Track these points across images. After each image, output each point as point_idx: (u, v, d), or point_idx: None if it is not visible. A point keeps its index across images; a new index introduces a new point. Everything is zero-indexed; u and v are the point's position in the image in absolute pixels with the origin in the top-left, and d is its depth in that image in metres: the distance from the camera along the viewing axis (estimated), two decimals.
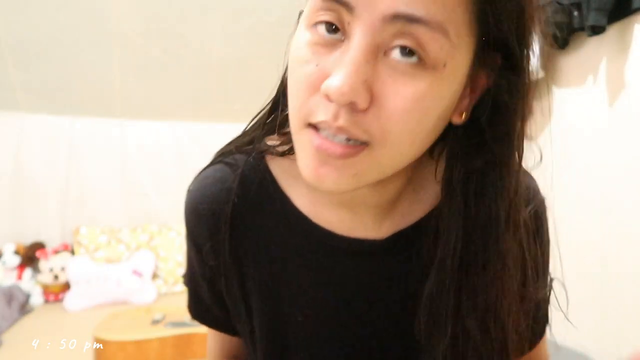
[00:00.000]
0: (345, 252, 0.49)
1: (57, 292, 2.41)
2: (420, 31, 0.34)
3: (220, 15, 2.34)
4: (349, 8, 0.34)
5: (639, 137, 1.27)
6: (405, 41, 0.34)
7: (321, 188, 0.39)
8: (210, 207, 0.49)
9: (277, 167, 0.50)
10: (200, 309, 0.56)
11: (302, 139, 0.39)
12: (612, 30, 1.32)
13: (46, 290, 2.41)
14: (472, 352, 0.45)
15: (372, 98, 0.35)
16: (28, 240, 2.54)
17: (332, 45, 0.36)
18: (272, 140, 0.51)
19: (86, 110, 2.56)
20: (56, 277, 2.40)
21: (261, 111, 0.51)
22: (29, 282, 2.42)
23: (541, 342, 0.58)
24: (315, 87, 0.36)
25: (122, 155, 2.65)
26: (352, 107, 0.35)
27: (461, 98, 0.40)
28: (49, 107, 2.55)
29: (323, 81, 0.35)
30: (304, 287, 0.50)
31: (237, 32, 2.38)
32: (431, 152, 0.46)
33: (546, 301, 0.55)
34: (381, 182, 0.43)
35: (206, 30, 2.40)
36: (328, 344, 0.51)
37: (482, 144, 0.42)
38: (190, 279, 0.56)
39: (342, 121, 0.35)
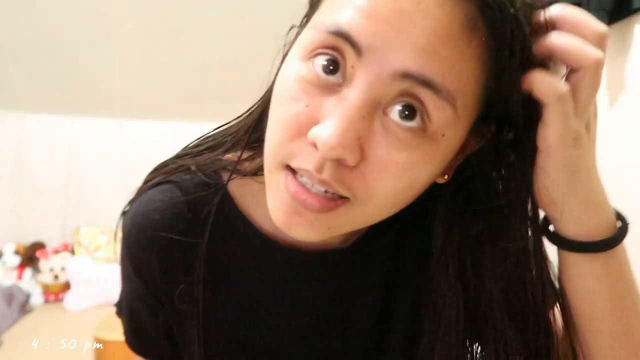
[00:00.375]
0: (305, 264, 0.46)
1: (57, 292, 2.41)
2: (429, 96, 0.31)
3: (220, 15, 2.34)
4: (359, 52, 0.31)
5: (639, 137, 1.27)
6: (410, 101, 0.32)
7: (290, 235, 0.36)
8: (156, 234, 0.44)
9: (235, 186, 0.46)
10: (143, 342, 0.51)
11: (276, 180, 0.35)
12: (612, 31, 1.32)
13: (46, 290, 2.41)
14: None
15: (362, 156, 0.32)
16: (28, 240, 2.54)
17: (327, 88, 0.33)
18: (230, 155, 0.47)
19: (86, 110, 2.56)
20: (56, 277, 2.41)
21: (221, 127, 0.48)
22: (29, 282, 2.42)
23: None
24: (301, 129, 0.33)
25: (122, 155, 2.65)
26: (339, 162, 0.32)
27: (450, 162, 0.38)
28: (49, 107, 2.55)
29: (311, 125, 0.32)
30: (274, 309, 0.47)
31: (237, 32, 2.37)
32: None
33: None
34: None
35: (206, 30, 2.40)
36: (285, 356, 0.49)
37: (477, 210, 0.39)
38: (129, 309, 0.50)
39: (326, 175, 0.32)
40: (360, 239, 0.47)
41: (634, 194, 1.28)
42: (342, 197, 0.34)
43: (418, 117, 0.32)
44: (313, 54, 0.33)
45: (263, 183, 0.38)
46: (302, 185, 0.34)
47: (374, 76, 0.31)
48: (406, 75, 0.30)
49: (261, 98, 0.44)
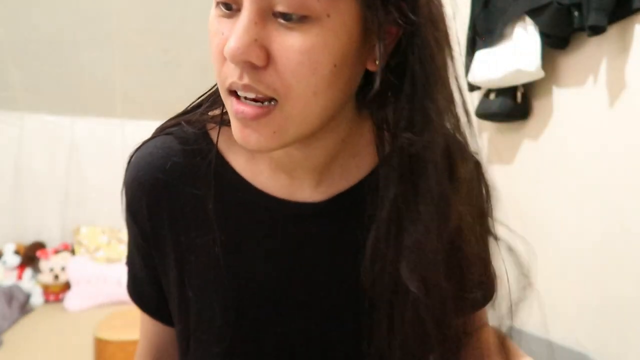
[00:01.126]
0: (286, 216, 0.50)
1: (57, 292, 2.41)
2: None
3: None
4: None
5: (639, 137, 1.27)
6: (281, 6, 0.37)
7: (248, 148, 0.42)
8: (153, 177, 0.50)
9: (220, 137, 0.51)
10: (135, 288, 0.56)
11: (228, 106, 0.43)
12: (613, 31, 1.32)
13: (46, 290, 2.41)
14: (412, 308, 0.45)
15: (269, 56, 0.39)
16: (28, 240, 2.54)
17: (231, 17, 0.40)
18: (214, 112, 0.53)
19: (86, 110, 2.56)
20: (56, 277, 2.41)
21: (210, 89, 0.55)
22: (29, 282, 2.42)
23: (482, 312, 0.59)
24: (224, 54, 0.39)
25: (122, 155, 2.64)
26: (251, 66, 0.39)
27: (369, 46, 0.41)
28: (49, 106, 2.55)
29: None
30: (246, 252, 0.50)
31: None
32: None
33: (489, 265, 0.56)
34: (311, 143, 0.46)
35: (206, 30, 2.39)
36: (275, 307, 0.51)
37: (405, 102, 0.43)
38: (129, 256, 0.56)
39: (246, 79, 0.39)
40: (337, 196, 0.50)
41: (634, 193, 1.28)
42: (270, 102, 0.40)
43: (295, 13, 0.37)
44: (217, 1, 0.41)
45: None
46: (241, 102, 0.41)
47: None
48: None
49: None
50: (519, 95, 1.61)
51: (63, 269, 2.41)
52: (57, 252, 2.45)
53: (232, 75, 0.40)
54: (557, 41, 1.46)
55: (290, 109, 0.40)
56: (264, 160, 0.51)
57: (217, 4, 0.41)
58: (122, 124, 2.65)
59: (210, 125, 0.52)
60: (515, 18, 1.52)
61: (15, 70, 2.35)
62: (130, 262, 0.56)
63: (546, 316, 1.55)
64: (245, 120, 0.41)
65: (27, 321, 2.14)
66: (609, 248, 1.35)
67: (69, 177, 2.56)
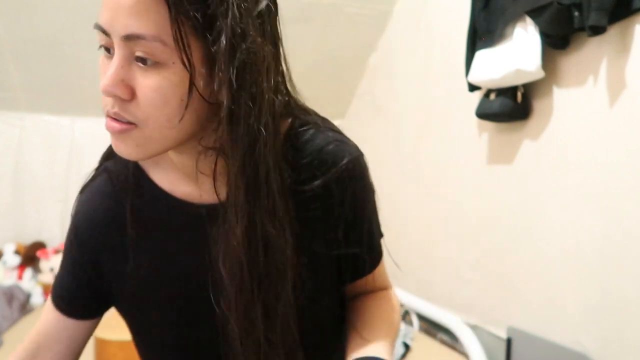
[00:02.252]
0: (194, 215, 0.61)
1: None
2: (144, 43, 0.48)
3: None
4: (107, 34, 0.49)
5: (639, 138, 1.27)
6: (139, 52, 0.48)
7: (122, 155, 0.54)
8: (90, 214, 0.66)
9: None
10: (61, 287, 0.69)
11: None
12: (613, 31, 1.32)
13: (47, 290, 2.41)
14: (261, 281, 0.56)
15: (134, 92, 0.50)
16: (28, 239, 2.54)
17: (110, 59, 0.51)
18: None
19: (86, 110, 2.56)
20: None
21: None
22: (29, 282, 2.42)
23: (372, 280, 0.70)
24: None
25: None
26: (119, 99, 0.50)
27: (208, 82, 0.51)
28: (49, 106, 2.55)
29: None
30: (173, 247, 0.63)
31: None
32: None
33: (371, 249, 0.68)
34: (183, 151, 0.58)
35: None
36: (186, 286, 0.63)
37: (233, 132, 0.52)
38: (61, 263, 0.70)
39: (115, 108, 0.51)
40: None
41: (634, 193, 1.28)
42: (130, 123, 0.51)
43: (148, 59, 0.48)
44: (100, 44, 0.52)
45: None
46: (112, 120, 0.52)
47: (117, 43, 0.49)
48: (127, 37, 0.48)
49: None
50: (519, 95, 1.61)
51: None
52: (57, 251, 2.45)
53: (107, 104, 0.51)
54: (557, 41, 1.46)
55: (149, 132, 0.51)
56: (176, 173, 0.62)
57: (101, 48, 0.52)
58: None
59: None
60: (515, 18, 1.52)
61: (15, 70, 2.35)
62: (62, 271, 0.69)
63: (546, 316, 1.55)
64: (114, 134, 0.53)
65: (27, 321, 2.14)
66: (609, 248, 1.35)
67: (69, 177, 2.56)
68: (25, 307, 2.27)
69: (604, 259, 1.36)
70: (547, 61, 1.50)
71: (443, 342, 1.97)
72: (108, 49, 0.51)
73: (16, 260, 2.44)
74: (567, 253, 1.48)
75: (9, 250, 2.45)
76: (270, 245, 0.55)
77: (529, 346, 1.61)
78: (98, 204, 0.66)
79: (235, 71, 0.49)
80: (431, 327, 2.08)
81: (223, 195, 0.55)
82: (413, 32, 2.30)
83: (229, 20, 0.48)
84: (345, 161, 0.61)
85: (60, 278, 0.69)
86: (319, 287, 0.63)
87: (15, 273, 2.43)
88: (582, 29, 1.34)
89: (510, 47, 1.54)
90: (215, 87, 0.50)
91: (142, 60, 0.49)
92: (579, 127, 1.46)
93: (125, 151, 0.53)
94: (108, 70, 0.49)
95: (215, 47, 0.48)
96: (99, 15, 0.50)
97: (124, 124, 0.51)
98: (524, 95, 1.61)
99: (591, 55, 1.41)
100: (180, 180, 0.62)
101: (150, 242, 0.63)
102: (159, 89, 0.49)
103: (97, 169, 0.69)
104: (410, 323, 2.14)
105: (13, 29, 2.20)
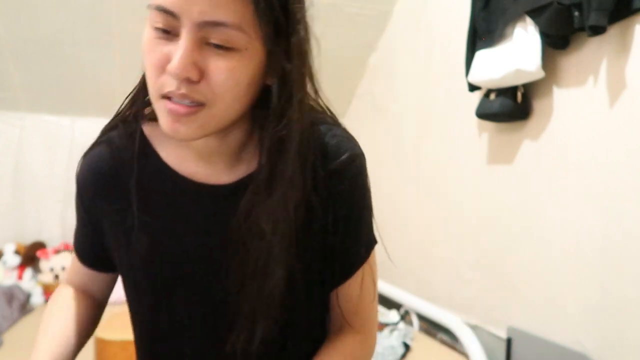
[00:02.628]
0: (204, 195, 0.64)
1: None
2: (224, 30, 0.50)
3: None
4: (176, 18, 0.50)
5: (639, 138, 1.27)
6: (215, 38, 0.51)
7: (176, 138, 0.55)
8: (94, 174, 0.67)
9: (150, 132, 0.66)
10: (77, 242, 0.74)
11: (159, 107, 0.55)
12: (613, 31, 1.32)
13: (47, 290, 2.41)
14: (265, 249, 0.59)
15: (203, 73, 0.52)
16: (28, 240, 2.54)
17: (168, 40, 0.52)
18: (147, 110, 0.66)
19: (86, 110, 2.56)
20: (57, 276, 2.41)
21: (134, 89, 0.68)
22: (29, 282, 2.42)
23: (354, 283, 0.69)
24: (162, 68, 0.52)
25: None
26: (188, 80, 0.51)
27: (270, 68, 0.56)
28: (49, 106, 2.55)
29: (167, 63, 0.51)
30: (174, 225, 0.64)
31: None
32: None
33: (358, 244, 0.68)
34: (224, 134, 0.60)
35: None
36: (191, 263, 0.65)
37: (278, 109, 0.57)
38: (77, 222, 0.73)
39: (183, 89, 0.52)
40: (242, 179, 0.63)
41: (634, 193, 1.28)
42: (199, 105, 0.53)
43: (225, 44, 0.51)
44: (154, 26, 0.53)
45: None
46: (174, 103, 0.53)
47: (188, 27, 0.50)
48: (205, 23, 0.50)
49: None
50: (519, 95, 1.61)
51: (63, 268, 2.41)
52: (57, 251, 2.46)
53: (169, 85, 0.52)
54: (557, 41, 1.46)
55: (216, 111, 0.54)
56: (187, 151, 0.64)
57: (155, 29, 0.52)
58: None
59: (145, 124, 0.67)
60: (515, 18, 1.52)
61: (15, 70, 2.35)
62: (77, 226, 0.73)
63: (546, 316, 1.55)
64: (177, 116, 0.53)
65: (27, 321, 2.14)
66: (609, 248, 1.35)
67: (69, 177, 2.55)
68: (25, 307, 2.28)
69: (604, 259, 1.36)
70: (547, 61, 1.50)
71: (443, 342, 1.97)
72: (165, 30, 0.52)
73: (16, 260, 2.44)
74: (567, 253, 1.47)
75: (9, 250, 2.45)
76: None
77: (529, 346, 1.61)
78: (99, 172, 0.67)
79: (297, 61, 0.55)
80: (431, 327, 2.08)
81: (236, 177, 0.63)
82: (413, 32, 2.30)
83: (298, 17, 0.55)
84: (345, 156, 0.64)
85: (75, 231, 0.74)
86: (307, 275, 0.65)
87: (15, 273, 2.44)
88: (582, 29, 1.34)
89: (510, 47, 1.54)
90: (272, 73, 0.56)
91: (218, 46, 0.51)
92: (579, 127, 1.46)
93: (185, 133, 0.54)
94: (177, 52, 0.50)
95: (281, 39, 0.54)
96: None
97: (191, 106, 0.53)
98: (524, 95, 1.61)
99: (591, 55, 1.41)
100: (190, 158, 0.64)
101: (151, 216, 0.64)
102: (233, 69, 0.52)
103: (99, 138, 0.70)
104: (410, 323, 2.14)
105: (13, 29, 2.21)
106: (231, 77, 0.52)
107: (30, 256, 2.47)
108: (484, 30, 1.66)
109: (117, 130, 0.68)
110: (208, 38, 0.51)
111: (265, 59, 0.55)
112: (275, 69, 0.56)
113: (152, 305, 0.68)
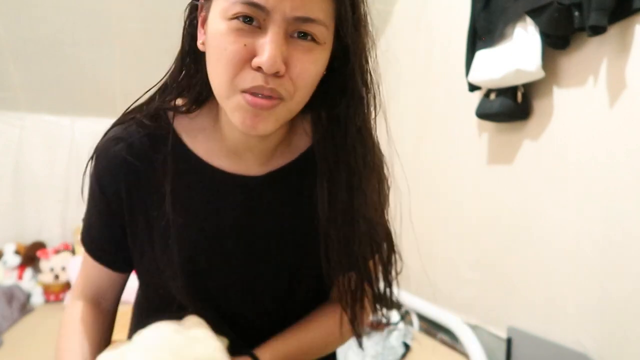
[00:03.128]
0: (233, 185, 0.64)
1: (57, 291, 2.42)
2: (312, 25, 0.53)
3: None
4: (266, 12, 0.51)
5: (639, 138, 1.27)
6: (303, 34, 0.53)
7: (252, 132, 0.55)
8: (120, 157, 0.63)
9: (179, 124, 0.65)
10: (89, 238, 0.71)
11: (235, 102, 0.54)
12: (613, 31, 1.32)
13: (47, 290, 2.41)
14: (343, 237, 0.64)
15: (286, 66, 0.52)
16: (28, 240, 2.54)
17: (251, 32, 0.52)
18: (177, 101, 0.66)
19: (86, 110, 2.56)
20: (57, 276, 2.41)
21: (163, 78, 0.67)
22: (29, 282, 2.42)
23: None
24: (243, 61, 0.52)
25: None
26: (275, 75, 0.52)
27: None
28: (49, 106, 2.55)
29: (252, 57, 0.52)
30: (202, 214, 0.64)
31: None
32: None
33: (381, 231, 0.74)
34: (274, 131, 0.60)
35: None
36: (222, 255, 0.66)
37: (339, 92, 0.61)
38: (87, 215, 0.71)
39: (271, 84, 0.52)
40: (273, 171, 0.66)
41: (634, 193, 1.28)
42: (279, 99, 0.54)
43: (310, 37, 0.53)
44: (234, 16, 0.52)
45: (200, 123, 0.65)
46: (257, 97, 0.53)
47: (280, 21, 0.51)
48: (298, 19, 0.51)
49: (177, 58, 0.68)
50: (519, 95, 1.61)
51: (63, 268, 2.41)
52: (57, 252, 2.45)
53: (255, 79, 0.52)
54: (557, 41, 1.46)
55: (292, 104, 0.56)
56: (218, 145, 0.65)
57: (236, 17, 0.52)
58: None
59: (172, 116, 0.65)
60: (515, 18, 1.52)
61: (15, 70, 2.35)
62: (87, 220, 0.71)
63: (546, 316, 1.55)
64: (259, 111, 0.53)
65: (27, 321, 2.14)
66: (609, 248, 1.35)
67: (69, 177, 2.56)
68: (25, 307, 2.28)
69: (604, 259, 1.36)
70: (547, 61, 1.50)
71: (443, 342, 1.97)
72: (249, 18, 0.52)
73: (16, 260, 2.44)
74: (567, 253, 1.47)
75: (9, 250, 2.45)
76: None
77: (529, 346, 1.61)
78: (127, 168, 0.64)
79: (357, 56, 0.59)
80: (431, 327, 2.08)
81: (267, 170, 0.65)
82: (413, 32, 2.30)
83: (363, 12, 0.59)
84: None
85: (89, 231, 0.71)
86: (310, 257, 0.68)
87: (15, 273, 2.43)
88: (582, 29, 1.34)
89: (510, 47, 1.54)
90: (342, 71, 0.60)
91: (304, 37, 0.53)
92: (579, 127, 1.46)
93: (264, 127, 0.55)
94: (269, 46, 0.51)
95: (347, 34, 0.57)
96: None
97: (274, 100, 0.53)
98: (524, 95, 1.61)
99: (591, 55, 1.41)
100: (221, 151, 0.65)
101: (186, 210, 0.64)
102: (315, 63, 0.55)
103: (118, 133, 0.65)
104: (410, 323, 2.14)
105: (13, 29, 2.21)
106: (313, 70, 0.55)
107: (30, 256, 2.47)
108: (484, 30, 1.66)
109: (135, 126, 0.65)
110: (293, 32, 0.53)
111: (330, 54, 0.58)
112: (330, 63, 0.58)
113: (188, 297, 0.66)
